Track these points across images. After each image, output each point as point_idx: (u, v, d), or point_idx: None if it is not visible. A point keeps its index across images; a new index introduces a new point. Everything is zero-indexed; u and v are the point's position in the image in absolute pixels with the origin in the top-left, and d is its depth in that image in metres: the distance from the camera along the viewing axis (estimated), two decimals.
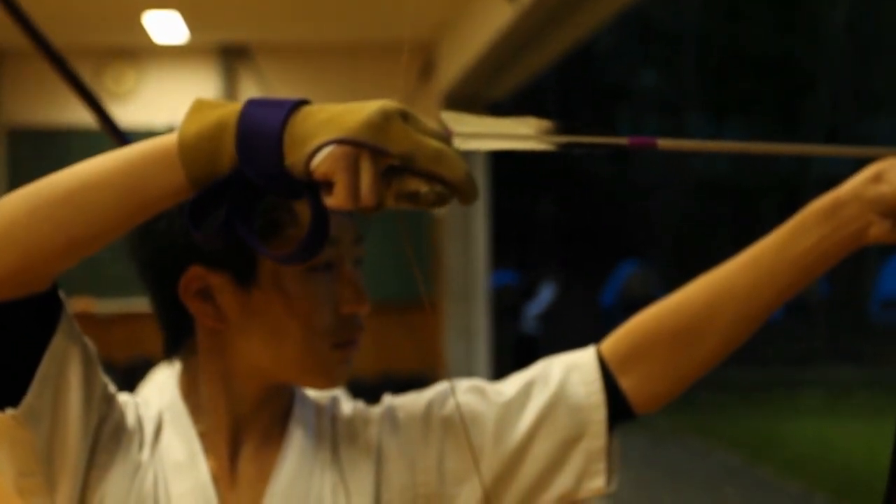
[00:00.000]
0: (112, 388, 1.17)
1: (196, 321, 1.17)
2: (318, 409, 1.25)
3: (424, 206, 0.88)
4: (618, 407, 1.19)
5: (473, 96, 8.55)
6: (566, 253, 21.87)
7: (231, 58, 8.72)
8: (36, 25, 1.32)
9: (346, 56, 8.80)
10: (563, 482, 1.19)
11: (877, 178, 1.11)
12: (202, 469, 1.17)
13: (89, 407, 1.10)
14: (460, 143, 0.96)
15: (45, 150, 8.09)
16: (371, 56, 8.83)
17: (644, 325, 1.20)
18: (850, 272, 21.27)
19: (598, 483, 1.18)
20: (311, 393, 1.27)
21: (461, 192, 0.88)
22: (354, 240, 1.17)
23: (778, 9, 22.03)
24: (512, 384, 1.24)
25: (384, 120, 0.85)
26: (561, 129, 0.98)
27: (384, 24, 8.25)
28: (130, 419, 1.18)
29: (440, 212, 0.91)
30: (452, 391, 1.24)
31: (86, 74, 8.29)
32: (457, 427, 1.20)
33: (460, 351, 8.69)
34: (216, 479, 1.18)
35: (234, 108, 0.91)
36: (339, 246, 1.15)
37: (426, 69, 8.89)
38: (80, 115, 8.66)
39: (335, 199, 0.86)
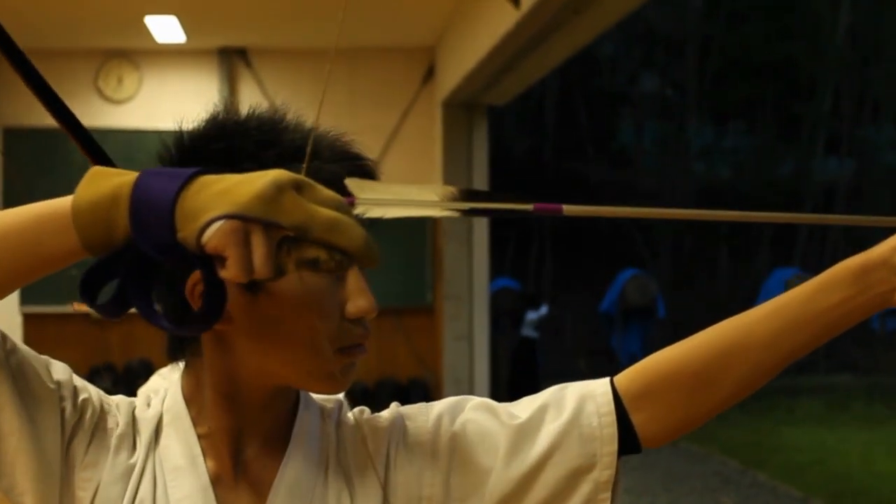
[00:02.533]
0: (86, 393, 1.16)
1: None
2: (323, 413, 1.25)
3: (326, 272, 0.88)
4: (627, 440, 1.20)
5: (475, 101, 8.57)
6: (566, 259, 21.88)
7: (231, 62, 8.74)
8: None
9: (347, 60, 8.82)
10: None
11: None
12: (202, 472, 1.17)
13: (33, 420, 1.10)
14: (363, 211, 0.96)
15: (40, 149, 8.11)
16: (371, 60, 8.85)
17: (662, 364, 1.21)
18: None
19: None
20: (316, 397, 1.26)
21: (359, 258, 0.88)
22: None
23: (779, 14, 22.07)
24: (524, 407, 1.23)
25: (276, 192, 0.85)
26: (465, 196, 0.98)
27: (384, 29, 8.26)
28: (121, 421, 1.17)
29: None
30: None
31: (87, 78, 8.30)
32: (466, 443, 1.20)
33: (460, 355, 8.70)
34: (218, 482, 1.17)
35: (130, 178, 0.90)
36: None
37: (428, 74, 8.91)
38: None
39: (227, 273, 0.86)
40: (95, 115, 8.61)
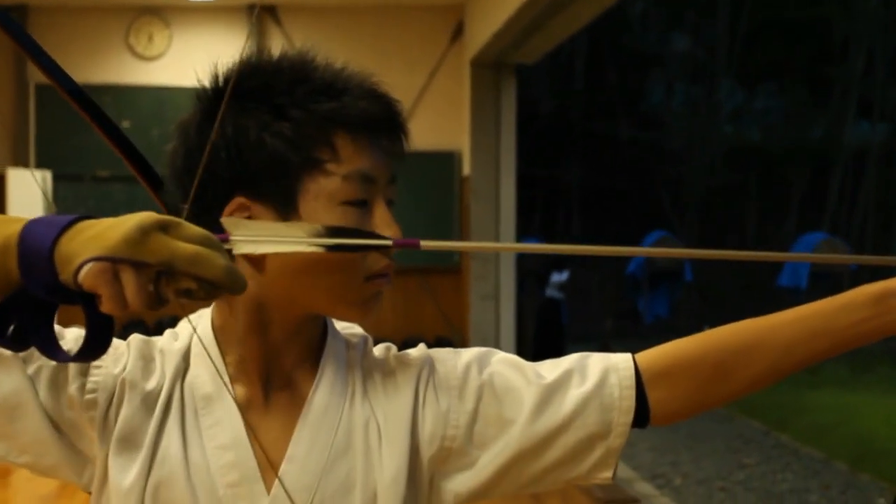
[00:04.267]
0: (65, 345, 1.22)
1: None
2: (348, 344, 1.31)
3: (199, 300, 0.96)
4: (638, 414, 1.28)
5: (503, 60, 8.55)
6: (593, 220, 21.85)
7: (260, 18, 8.75)
8: None
9: (375, 18, 8.81)
10: (579, 469, 1.28)
11: None
12: (230, 400, 1.23)
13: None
14: (236, 247, 1.08)
15: (72, 106, 8.15)
16: (399, 18, 8.84)
17: (685, 351, 1.29)
18: (875, 243, 21.14)
19: (607, 474, 1.28)
20: (342, 331, 1.33)
21: (223, 287, 0.95)
22: (389, 180, 1.23)
23: None
24: (549, 369, 1.30)
25: (141, 234, 0.93)
26: (329, 233, 1.10)
27: None
28: (132, 356, 1.25)
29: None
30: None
31: (118, 35, 8.29)
32: (492, 394, 1.27)
33: (486, 315, 8.74)
34: (248, 407, 1.24)
35: (20, 226, 0.97)
36: (375, 184, 1.21)
37: (456, 32, 8.89)
38: (105, 72, 8.76)
39: (104, 308, 0.94)
40: (126, 72, 8.67)
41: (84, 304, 0.96)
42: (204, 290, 0.95)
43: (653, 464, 8.17)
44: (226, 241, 1.06)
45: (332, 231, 1.11)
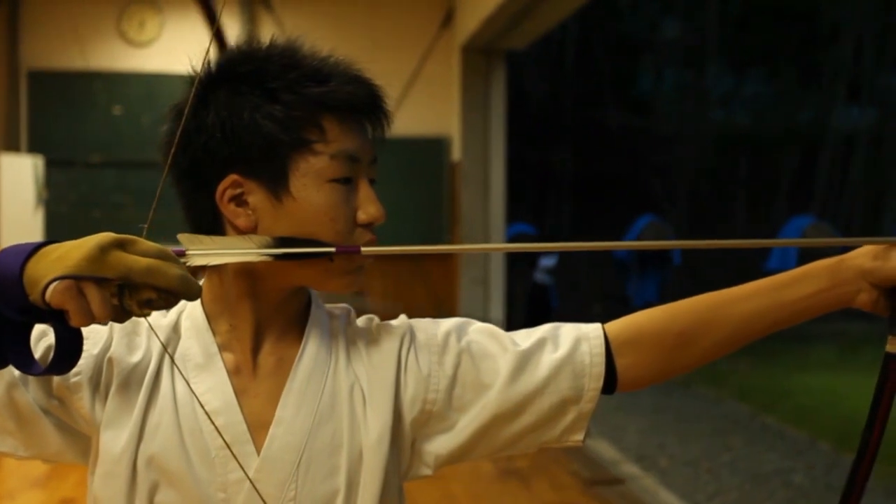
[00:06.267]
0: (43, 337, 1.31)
1: (226, 226, 1.29)
2: (331, 315, 1.39)
3: (160, 308, 1.05)
4: (607, 380, 1.37)
5: (493, 46, 8.58)
6: (584, 205, 21.87)
7: (252, 5, 8.77)
8: None
9: (366, 3, 8.83)
10: (551, 432, 1.37)
11: (876, 256, 1.32)
12: (220, 367, 1.31)
13: None
14: (192, 260, 1.16)
15: (64, 91, 8.17)
16: (390, 4, 8.86)
17: (651, 321, 1.38)
18: (863, 227, 21.21)
19: (578, 437, 1.38)
20: (325, 306, 1.41)
21: (179, 294, 1.04)
22: (371, 161, 1.32)
23: None
24: (523, 337, 1.40)
25: (100, 252, 1.02)
26: (276, 243, 1.21)
27: None
28: (116, 336, 1.33)
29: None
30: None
31: (110, 20, 8.33)
32: (470, 361, 1.36)
33: (476, 298, 8.79)
34: (238, 373, 1.32)
35: None
36: (359, 164, 1.29)
37: (446, 19, 8.92)
38: (96, 58, 8.77)
39: (73, 322, 1.03)
40: (117, 57, 8.68)
41: (53, 320, 1.04)
42: (163, 298, 1.04)
43: (639, 445, 8.23)
44: (182, 254, 1.15)
45: (279, 241, 1.22)
